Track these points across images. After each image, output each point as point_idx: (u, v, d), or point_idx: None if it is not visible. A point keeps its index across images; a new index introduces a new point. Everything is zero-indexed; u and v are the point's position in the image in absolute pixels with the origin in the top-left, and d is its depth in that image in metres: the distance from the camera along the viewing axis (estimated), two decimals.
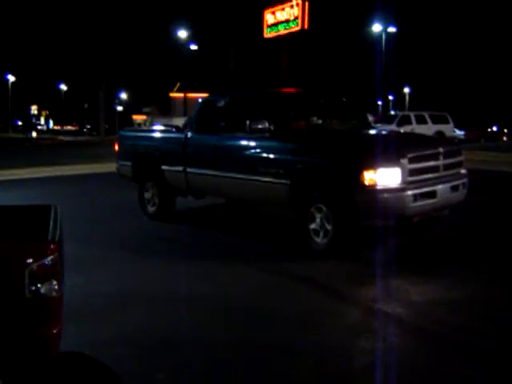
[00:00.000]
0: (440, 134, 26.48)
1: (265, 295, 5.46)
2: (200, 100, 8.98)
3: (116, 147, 9.90)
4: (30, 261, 3.02)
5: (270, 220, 9.00)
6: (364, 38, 51.45)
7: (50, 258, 3.07)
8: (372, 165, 6.09)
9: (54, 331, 3.15)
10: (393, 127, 24.93)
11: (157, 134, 9.50)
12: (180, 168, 8.37)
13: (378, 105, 61.49)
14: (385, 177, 6.09)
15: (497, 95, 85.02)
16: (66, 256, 5.83)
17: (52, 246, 3.13)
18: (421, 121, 27.09)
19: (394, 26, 48.41)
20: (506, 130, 76.54)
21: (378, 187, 6.06)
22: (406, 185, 6.20)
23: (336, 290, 5.56)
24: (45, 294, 3.06)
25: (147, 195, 9.07)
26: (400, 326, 4.71)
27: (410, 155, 6.25)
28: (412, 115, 27.78)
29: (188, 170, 8.26)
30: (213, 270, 6.28)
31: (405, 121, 26.74)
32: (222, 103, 8.26)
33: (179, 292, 5.55)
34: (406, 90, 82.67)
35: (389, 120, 26.98)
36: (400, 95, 79.52)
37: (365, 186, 6.09)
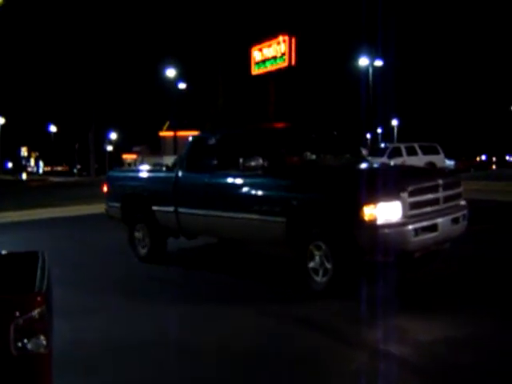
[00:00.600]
0: (431, 164, 26.47)
1: (262, 339, 5.21)
2: (190, 138, 8.85)
3: (104, 188, 9.70)
4: (16, 314, 2.81)
5: (264, 259, 8.76)
6: (351, 72, 51.96)
7: (37, 310, 2.86)
8: (371, 199, 5.92)
9: None
10: (384, 160, 24.92)
11: (146, 174, 9.29)
12: (171, 208, 8.17)
13: (367, 138, 61.83)
14: (385, 211, 5.91)
15: (484, 124, 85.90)
16: (55, 301, 5.64)
17: (39, 298, 2.92)
18: (411, 152, 27.07)
19: (381, 59, 49.01)
20: (494, 159, 77.15)
21: (379, 222, 5.88)
22: (407, 219, 6.02)
23: (337, 332, 5.33)
24: (32, 350, 2.84)
25: (137, 237, 8.83)
26: (404, 367, 4.49)
27: (409, 188, 6.09)
28: (402, 147, 27.78)
29: (179, 209, 8.06)
30: (207, 314, 6.03)
31: (396, 153, 26.71)
32: (212, 141, 8.11)
33: (171, 339, 5.29)
34: (395, 122, 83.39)
35: (379, 152, 26.98)
36: (388, 127, 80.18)
37: (364, 221, 5.91)
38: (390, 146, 29.65)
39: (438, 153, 28.42)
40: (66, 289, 6.98)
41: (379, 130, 68.93)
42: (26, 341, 2.82)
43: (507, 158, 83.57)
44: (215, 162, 7.82)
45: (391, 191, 6.03)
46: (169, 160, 22.98)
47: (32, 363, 2.88)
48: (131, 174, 10.00)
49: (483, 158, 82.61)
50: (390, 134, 78.95)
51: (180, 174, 8.21)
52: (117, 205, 9.23)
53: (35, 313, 2.85)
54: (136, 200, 8.87)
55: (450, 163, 41.10)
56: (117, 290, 7.09)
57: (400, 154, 26.63)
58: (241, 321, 5.74)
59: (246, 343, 5.10)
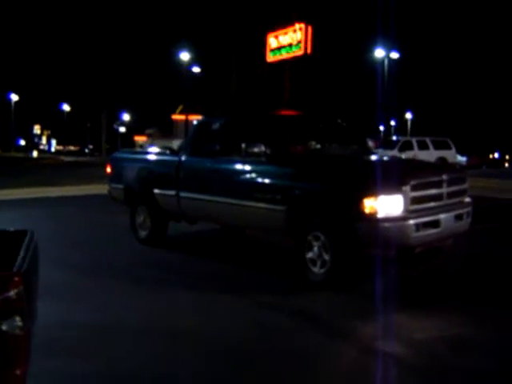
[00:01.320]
0: (442, 159, 26.27)
1: (257, 331, 5.11)
2: (194, 122, 8.76)
3: (108, 169, 9.65)
4: None
5: (264, 247, 8.68)
6: (367, 63, 51.55)
7: (13, 291, 2.77)
8: (372, 192, 5.78)
9: (18, 373, 2.84)
10: (394, 153, 24.75)
11: (150, 157, 9.22)
12: (173, 192, 8.09)
13: (380, 130, 61.45)
14: (386, 205, 5.78)
15: (498, 121, 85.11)
16: (49, 283, 5.58)
17: (16, 278, 2.83)
18: (423, 146, 26.89)
19: (397, 51, 48.53)
20: (507, 157, 76.47)
21: (379, 216, 5.74)
22: (408, 213, 5.89)
23: (333, 326, 5.23)
24: (7, 331, 2.76)
25: (139, 219, 8.77)
26: (400, 366, 4.38)
27: (412, 182, 5.96)
28: (414, 141, 27.59)
29: (181, 194, 7.98)
30: (204, 302, 5.94)
31: (406, 146, 26.53)
32: (217, 126, 8.01)
33: (166, 325, 5.20)
34: (408, 115, 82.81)
35: (390, 145, 26.81)
36: (402, 121, 79.68)
37: (365, 214, 5.78)
38: (402, 139, 29.45)
39: (449, 148, 28.19)
40: (64, 270, 6.97)
41: (392, 123, 68.51)
42: (0, 321, 2.74)
43: None
44: (218, 147, 7.73)
45: (393, 184, 5.89)
46: (178, 144, 22.92)
47: (7, 344, 2.80)
48: (135, 156, 9.91)
49: (496, 155, 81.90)
50: (404, 127, 78.46)
51: (183, 158, 8.12)
52: (120, 186, 9.19)
53: (12, 293, 2.76)
54: (139, 182, 8.80)
55: (461, 159, 40.81)
56: (114, 274, 6.99)
57: (411, 148, 26.46)
58: (237, 311, 5.62)
59: (240, 335, 5.00)
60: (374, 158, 7.89)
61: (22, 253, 3.27)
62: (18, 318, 2.79)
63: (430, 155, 25.56)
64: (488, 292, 6.30)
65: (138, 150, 10.21)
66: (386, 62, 48.28)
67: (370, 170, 6.68)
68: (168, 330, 5.06)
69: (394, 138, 34.86)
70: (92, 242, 9.05)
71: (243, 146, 6.83)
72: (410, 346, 4.70)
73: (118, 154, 10.72)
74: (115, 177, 9.44)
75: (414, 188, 5.97)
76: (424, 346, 4.72)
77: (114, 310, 5.63)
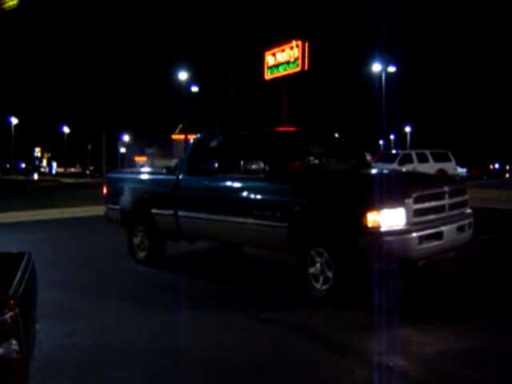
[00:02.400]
0: (442, 172, 26.26)
1: (259, 348, 5.05)
2: (191, 140, 8.73)
3: (104, 190, 9.59)
4: None
5: (264, 265, 8.60)
6: (364, 78, 51.75)
7: (9, 314, 2.75)
8: (375, 206, 5.73)
9: None
10: (394, 166, 24.73)
11: (147, 176, 9.16)
12: (171, 211, 8.04)
13: (379, 144, 61.54)
14: (389, 218, 5.72)
15: (498, 132, 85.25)
16: (50, 304, 5.55)
17: (12, 302, 2.80)
18: (422, 159, 26.90)
19: (394, 65, 48.76)
20: (508, 167, 76.42)
21: (382, 229, 5.68)
22: (411, 226, 5.83)
23: (335, 342, 5.15)
24: (3, 355, 2.73)
25: (136, 240, 8.72)
26: (405, 380, 4.30)
27: (414, 195, 5.91)
28: (413, 154, 27.61)
29: (179, 213, 7.93)
30: (204, 320, 5.87)
31: (406, 159, 26.55)
32: (214, 143, 7.98)
33: (167, 345, 5.13)
34: (407, 128, 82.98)
35: (390, 159, 26.82)
36: (401, 134, 79.83)
37: (367, 228, 5.72)
38: (401, 152, 29.47)
39: (449, 160, 28.21)
40: (64, 292, 6.93)
41: (392, 137, 68.63)
42: None
43: None
44: (216, 164, 7.69)
45: (395, 197, 5.85)
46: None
47: (3, 368, 2.76)
48: (132, 176, 9.75)
49: (496, 166, 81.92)
50: (403, 140, 78.59)
51: (181, 176, 8.09)
52: (116, 207, 9.12)
53: (7, 316, 2.74)
54: (136, 202, 8.73)
55: (461, 171, 40.82)
56: (114, 294, 6.94)
57: (411, 161, 26.47)
58: (239, 329, 5.57)
59: (242, 353, 4.94)
60: (374, 171, 7.85)
61: (18, 276, 3.24)
62: (14, 342, 2.77)
63: (430, 168, 25.54)
64: (492, 304, 6.23)
65: (134, 169, 10.05)
66: (383, 75, 48.49)
67: (371, 183, 6.63)
68: (169, 350, 4.99)
69: (394, 151, 34.91)
70: (91, 263, 8.99)
71: (242, 163, 6.79)
72: (414, 360, 4.63)
73: (114, 174, 10.63)
74: (112, 197, 9.36)
75: (417, 200, 5.92)
76: (429, 360, 4.65)
77: (114, 331, 5.56)
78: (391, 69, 48.84)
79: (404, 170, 21.14)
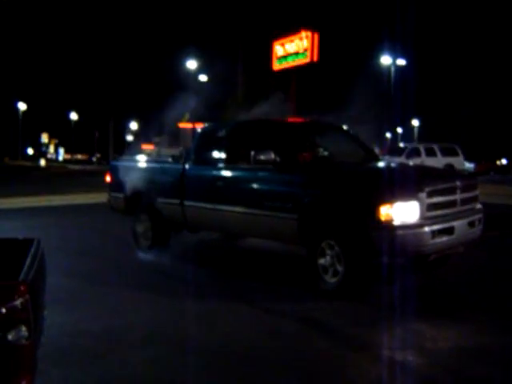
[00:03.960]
0: (450, 166, 26.11)
1: (267, 340, 5.00)
2: (199, 129, 8.67)
3: (108, 178, 9.53)
4: None
5: (270, 255, 8.54)
6: (373, 70, 51.45)
7: (19, 300, 2.72)
8: (388, 199, 5.66)
9: (24, 383, 2.79)
10: (402, 159, 24.61)
11: (152, 165, 9.07)
12: (177, 201, 7.99)
13: (387, 137, 61.26)
14: (402, 212, 5.66)
15: (506, 127, 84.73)
16: (57, 291, 5.54)
17: (22, 288, 2.77)
18: (430, 153, 26.74)
19: (404, 58, 48.46)
20: None
21: (395, 223, 5.63)
22: (424, 220, 5.78)
23: (343, 335, 5.11)
24: (13, 341, 2.71)
25: (140, 229, 8.67)
26: (414, 376, 4.26)
27: (427, 189, 5.85)
28: (421, 147, 27.46)
29: (186, 203, 7.88)
30: (212, 310, 5.83)
31: (414, 153, 26.40)
32: (222, 133, 7.91)
33: (173, 333, 5.12)
34: (415, 122, 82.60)
35: (398, 152, 26.69)
36: (409, 127, 79.48)
37: (380, 221, 5.66)
38: (409, 146, 29.32)
39: (457, 154, 28.04)
40: (72, 278, 6.93)
41: (399, 130, 68.35)
42: (6, 332, 2.68)
43: None
44: (224, 154, 7.64)
45: (409, 191, 5.79)
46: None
47: (12, 354, 2.74)
48: (136, 165, 9.50)
49: (504, 161, 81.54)
50: (411, 134, 78.26)
51: (188, 166, 8.04)
52: (120, 195, 9.07)
53: (17, 302, 2.72)
54: (141, 191, 8.67)
55: (469, 166, 40.66)
56: (120, 282, 6.93)
57: (419, 155, 26.33)
58: (244, 319, 5.54)
59: (246, 342, 4.90)
60: (386, 164, 7.79)
61: (28, 261, 3.22)
62: (24, 328, 2.74)
63: (438, 162, 25.40)
64: (502, 300, 6.18)
65: (138, 157, 9.92)
66: (392, 68, 48.23)
67: (384, 176, 6.58)
68: (174, 338, 4.98)
69: (402, 144, 34.74)
70: (97, 250, 8.97)
71: (252, 153, 6.74)
72: (425, 356, 4.59)
73: (119, 162, 10.52)
74: (115, 185, 9.29)
75: (430, 194, 5.87)
76: (440, 356, 4.60)
77: (121, 319, 5.55)
78: (400, 62, 48.55)
79: (411, 163, 21.06)
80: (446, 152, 27.54)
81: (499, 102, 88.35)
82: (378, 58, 48.87)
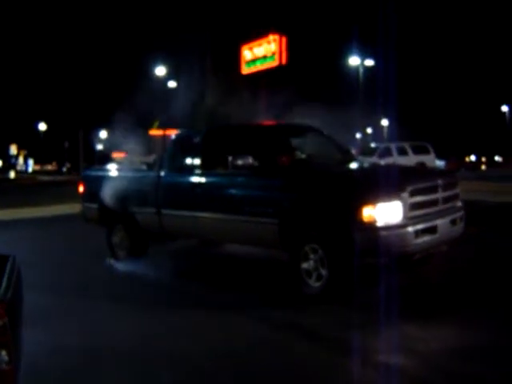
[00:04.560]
0: (421, 164, 26.27)
1: (253, 348, 4.88)
2: (173, 136, 8.54)
3: (80, 188, 9.31)
4: None
5: (250, 261, 8.39)
6: (342, 71, 51.71)
7: None
8: (371, 200, 5.62)
9: None
10: (374, 159, 24.69)
11: (126, 173, 8.80)
12: (153, 210, 7.82)
13: (357, 138, 61.64)
14: (385, 212, 5.62)
15: (473, 124, 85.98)
16: (34, 307, 5.32)
17: (0, 310, 2.61)
18: (402, 152, 26.89)
19: (372, 58, 48.73)
20: (483, 159, 77.22)
21: (378, 224, 5.58)
22: (407, 220, 5.75)
23: (331, 340, 5.02)
24: None
25: (116, 239, 8.49)
26: (404, 378, 4.19)
27: (410, 188, 5.81)
28: (393, 147, 27.59)
29: (163, 211, 7.72)
30: (196, 321, 5.71)
31: (386, 153, 26.51)
32: (197, 139, 7.76)
33: (159, 347, 4.97)
34: (385, 121, 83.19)
35: (370, 152, 26.77)
36: (378, 127, 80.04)
37: (364, 222, 5.61)
38: (381, 145, 29.46)
39: (428, 152, 28.26)
40: (46, 293, 6.69)
41: (369, 130, 68.80)
42: None
43: (496, 158, 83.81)
44: (201, 160, 7.49)
45: (391, 191, 5.74)
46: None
47: None
48: (109, 174, 9.25)
49: (472, 157, 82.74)
50: (379, 133, 78.78)
51: (163, 173, 7.87)
52: (94, 206, 8.85)
53: None
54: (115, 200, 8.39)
55: (440, 163, 41.01)
56: (98, 294, 6.75)
57: (390, 154, 26.43)
58: (228, 328, 5.42)
59: (232, 352, 4.79)
60: (365, 165, 7.75)
61: (4, 281, 3.04)
62: (3, 353, 2.58)
63: (410, 160, 25.53)
64: (488, 298, 6.14)
65: (111, 166, 9.69)
66: (360, 69, 48.47)
67: (365, 177, 6.53)
68: (158, 353, 4.84)
69: (373, 144, 34.92)
70: (71, 262, 8.73)
71: (230, 158, 6.63)
72: (415, 358, 4.52)
73: (92, 172, 10.29)
74: (89, 195, 9.08)
75: (412, 194, 5.83)
76: (430, 358, 4.54)
77: (102, 334, 5.39)
78: (369, 62, 48.82)
79: (383, 163, 21.13)
80: (418, 150, 27.72)
81: (466, 99, 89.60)
82: (346, 59, 49.09)
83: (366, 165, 7.80)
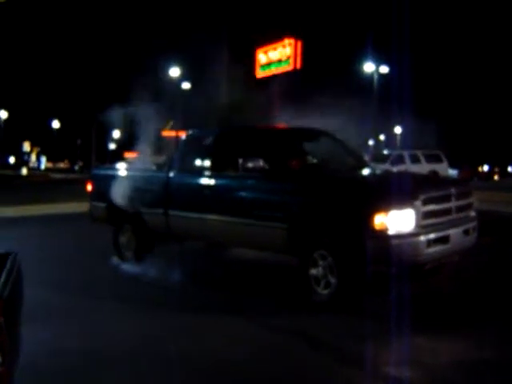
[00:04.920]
0: (434, 173, 26.05)
1: (258, 355, 4.77)
2: (183, 136, 8.43)
3: (89, 187, 9.23)
4: None
5: (258, 266, 8.27)
6: (356, 78, 51.55)
7: None
8: (384, 207, 5.49)
9: None
10: (387, 166, 24.51)
11: (135, 173, 8.66)
12: (161, 210, 7.73)
13: (370, 144, 61.44)
14: (398, 220, 5.49)
15: (487, 134, 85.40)
16: (36, 305, 5.25)
17: None
18: (414, 160, 26.69)
19: (387, 65, 48.51)
20: (497, 169, 76.63)
21: (390, 232, 5.46)
22: (420, 229, 5.62)
23: (339, 350, 4.90)
24: None
25: (123, 239, 8.40)
26: None
27: (423, 196, 5.68)
28: (406, 154, 27.39)
29: (171, 212, 7.62)
30: (196, 323, 5.62)
31: (398, 160, 26.31)
32: (209, 140, 7.66)
33: (161, 350, 4.87)
34: (398, 129, 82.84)
35: (382, 159, 26.58)
36: (391, 134, 79.70)
37: (375, 230, 5.48)
38: (394, 152, 29.26)
39: (441, 161, 28.03)
40: (49, 292, 6.63)
41: (382, 137, 68.52)
42: None
43: (509, 168, 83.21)
44: (211, 162, 7.39)
45: (404, 199, 5.61)
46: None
47: None
48: (118, 173, 9.10)
49: (486, 167, 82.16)
50: (393, 141, 78.43)
51: (172, 174, 7.77)
52: (102, 205, 8.78)
53: None
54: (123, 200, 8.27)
55: (453, 172, 40.71)
56: (102, 294, 6.67)
57: (403, 162, 26.23)
58: (232, 333, 5.32)
59: (235, 357, 4.68)
60: (378, 171, 7.62)
61: (3, 278, 2.96)
62: None
63: (422, 168, 25.33)
64: (500, 310, 6.00)
65: (121, 165, 9.57)
66: (375, 76, 48.25)
67: (377, 184, 6.40)
68: (159, 353, 4.75)
69: (386, 151, 34.72)
70: (78, 261, 8.66)
71: (240, 161, 6.53)
72: (423, 371, 4.40)
73: (100, 171, 10.21)
74: (97, 194, 9.01)
75: (425, 202, 5.70)
76: (440, 371, 4.42)
77: (103, 334, 5.31)
78: (384, 69, 48.60)
79: (395, 170, 20.92)
80: (431, 158, 27.51)
81: (481, 109, 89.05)
82: (361, 64, 48.89)
83: (378, 171, 7.65)
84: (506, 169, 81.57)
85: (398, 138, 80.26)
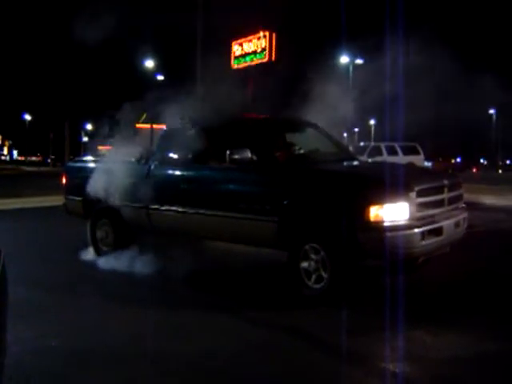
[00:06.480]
0: (412, 165, 26.15)
1: (249, 353, 4.61)
2: (165, 127, 8.17)
3: (63, 180, 8.94)
4: None
5: (247, 259, 7.98)
6: (332, 70, 51.59)
7: None
8: (378, 199, 5.37)
9: None
10: (364, 158, 24.51)
11: (113, 166, 8.12)
12: (141, 204, 7.48)
13: (343, 136, 61.61)
14: (392, 212, 5.38)
15: (459, 127, 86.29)
16: (18, 303, 5.01)
17: None
18: (392, 152, 26.76)
19: (362, 58, 48.59)
20: (481, 161, 77.52)
21: (385, 224, 5.34)
22: (414, 221, 5.52)
23: (333, 345, 4.74)
24: None
25: (100, 234, 8.14)
26: None
27: (417, 188, 5.58)
28: (383, 146, 27.44)
29: (151, 206, 7.37)
30: (188, 322, 5.41)
31: (375, 152, 26.34)
32: (192, 131, 7.43)
33: (148, 349, 4.67)
34: (372, 121, 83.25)
35: (359, 151, 26.56)
36: (365, 126, 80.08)
37: (369, 223, 5.36)
38: (371, 144, 29.29)
39: (418, 153, 28.18)
40: (30, 289, 6.37)
41: (356, 129, 68.73)
42: None
43: (481, 160, 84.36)
44: (194, 154, 7.18)
45: (399, 191, 5.49)
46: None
47: None
48: (94, 166, 8.63)
49: (458, 160, 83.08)
50: (366, 133, 78.82)
51: (153, 166, 7.54)
52: (77, 198, 8.51)
53: None
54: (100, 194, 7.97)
55: (428, 164, 40.98)
56: (83, 291, 6.44)
57: (380, 154, 26.28)
58: (222, 330, 5.14)
59: (227, 356, 4.50)
60: (370, 163, 7.51)
61: None
62: None
63: (400, 161, 25.35)
64: (496, 302, 5.95)
65: (96, 158, 9.26)
66: (350, 68, 48.29)
67: (371, 175, 6.27)
68: (147, 354, 4.55)
69: (362, 143, 34.77)
70: (55, 256, 8.40)
71: (227, 152, 6.33)
72: (421, 366, 4.28)
73: (75, 164, 9.86)
74: (72, 188, 8.75)
75: (420, 194, 5.60)
76: (436, 366, 4.30)
77: (88, 333, 5.09)
78: (359, 61, 48.66)
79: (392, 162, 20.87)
80: (408, 150, 27.62)
81: (452, 102, 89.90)
82: (336, 57, 48.88)
83: (371, 163, 7.55)
84: (479, 161, 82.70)
85: (372, 130, 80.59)
